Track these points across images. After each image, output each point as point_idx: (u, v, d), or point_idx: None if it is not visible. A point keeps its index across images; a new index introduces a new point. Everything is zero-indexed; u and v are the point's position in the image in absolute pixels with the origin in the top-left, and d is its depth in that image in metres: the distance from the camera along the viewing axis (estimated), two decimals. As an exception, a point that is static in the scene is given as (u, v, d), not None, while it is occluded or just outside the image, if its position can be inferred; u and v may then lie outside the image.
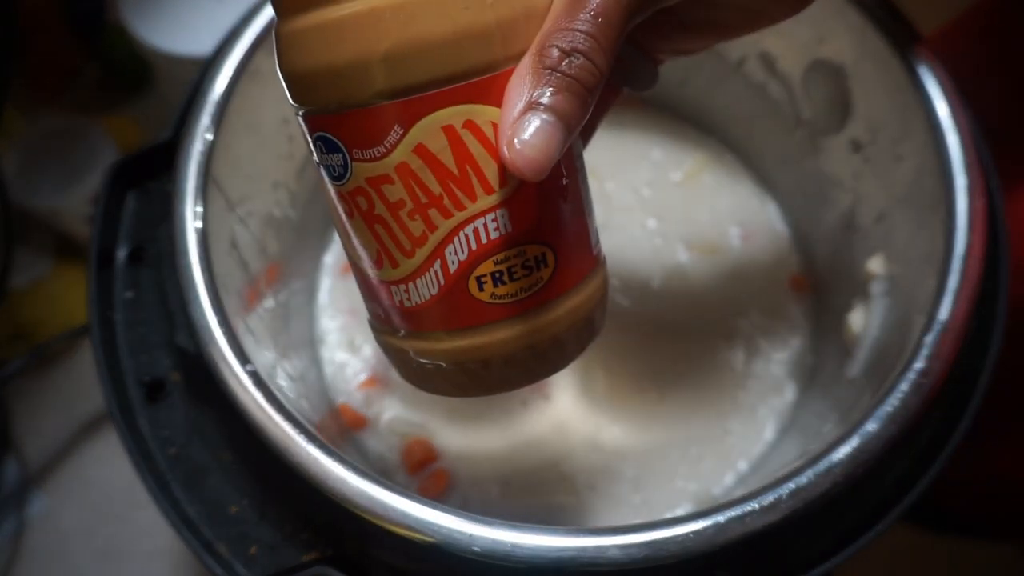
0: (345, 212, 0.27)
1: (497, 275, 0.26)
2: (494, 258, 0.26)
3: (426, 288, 0.27)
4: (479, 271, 0.26)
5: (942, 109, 0.38)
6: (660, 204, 0.54)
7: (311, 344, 0.50)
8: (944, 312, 0.34)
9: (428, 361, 0.28)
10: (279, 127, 0.44)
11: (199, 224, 0.37)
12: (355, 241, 0.27)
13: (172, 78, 0.65)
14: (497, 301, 0.27)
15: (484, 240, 0.26)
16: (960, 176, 0.37)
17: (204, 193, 0.38)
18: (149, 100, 0.78)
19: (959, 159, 0.37)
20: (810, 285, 0.51)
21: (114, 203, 0.41)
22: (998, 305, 0.37)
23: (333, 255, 0.53)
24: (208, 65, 0.41)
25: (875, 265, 0.43)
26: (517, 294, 0.27)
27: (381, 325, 0.30)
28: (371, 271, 0.28)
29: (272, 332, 0.43)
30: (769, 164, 0.54)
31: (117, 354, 0.38)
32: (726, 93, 0.52)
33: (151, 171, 0.42)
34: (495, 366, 0.28)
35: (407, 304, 0.27)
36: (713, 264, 0.51)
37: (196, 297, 0.35)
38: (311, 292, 0.52)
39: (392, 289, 0.27)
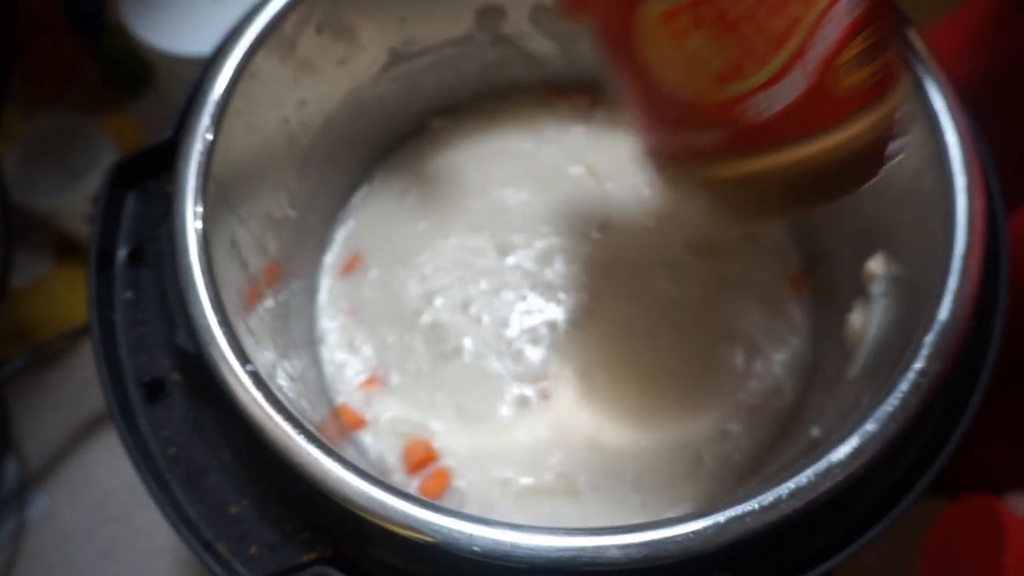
0: (674, 34, 0.25)
1: (855, 60, 0.25)
2: (853, 42, 0.25)
3: (791, 88, 0.25)
4: (842, 58, 0.25)
5: (942, 108, 0.38)
6: (660, 204, 0.54)
7: (311, 344, 0.50)
8: (944, 312, 0.34)
9: (778, 178, 0.26)
10: (279, 127, 0.44)
11: (199, 224, 0.37)
12: (681, 67, 0.25)
13: (172, 78, 0.65)
14: (855, 90, 0.25)
15: (846, 22, 0.24)
16: (960, 175, 0.37)
17: (204, 193, 0.38)
18: (149, 100, 0.78)
19: (958, 158, 0.37)
20: (810, 285, 0.51)
21: (114, 203, 0.41)
22: (998, 305, 0.37)
23: (333, 255, 0.53)
24: (208, 65, 0.41)
25: (875, 265, 0.42)
26: (870, 78, 0.25)
27: (703, 156, 0.27)
28: (710, 94, 0.26)
29: (272, 332, 0.43)
30: (769, 164, 0.54)
31: (117, 354, 0.38)
32: (726, 93, 0.52)
33: (151, 171, 0.42)
34: (847, 166, 0.26)
35: (764, 114, 0.25)
36: (713, 264, 0.51)
37: (196, 297, 0.35)
38: (311, 292, 0.52)
39: (744, 104, 0.25)
